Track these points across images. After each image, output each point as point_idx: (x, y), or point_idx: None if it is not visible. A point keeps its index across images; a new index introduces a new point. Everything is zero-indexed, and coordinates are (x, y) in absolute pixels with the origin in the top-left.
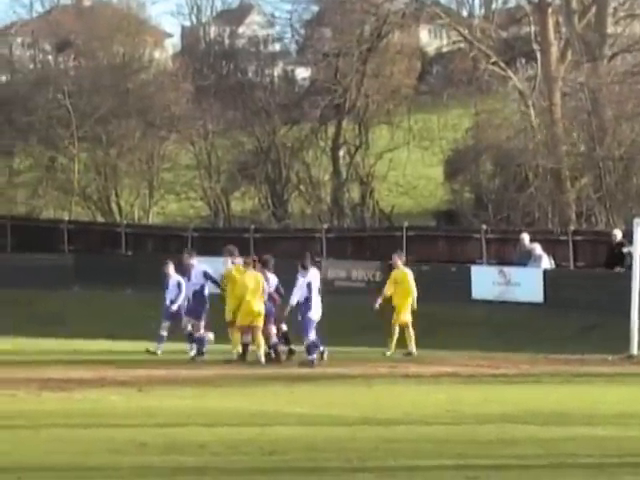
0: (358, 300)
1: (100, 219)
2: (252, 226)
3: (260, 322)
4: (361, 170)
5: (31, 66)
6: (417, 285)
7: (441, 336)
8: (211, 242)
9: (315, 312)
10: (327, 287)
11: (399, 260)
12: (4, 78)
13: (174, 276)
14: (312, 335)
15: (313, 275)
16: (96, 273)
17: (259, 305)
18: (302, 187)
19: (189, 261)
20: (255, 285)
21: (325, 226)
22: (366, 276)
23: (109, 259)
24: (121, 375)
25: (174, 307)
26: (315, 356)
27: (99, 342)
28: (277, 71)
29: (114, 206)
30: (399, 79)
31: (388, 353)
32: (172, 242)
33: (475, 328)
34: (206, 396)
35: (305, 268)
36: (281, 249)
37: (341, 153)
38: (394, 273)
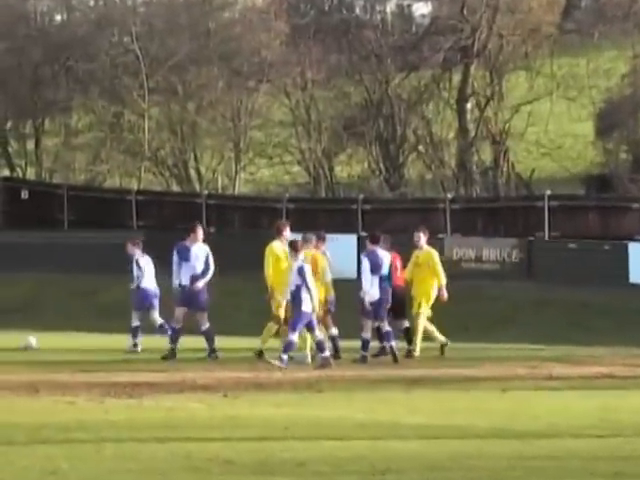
0: (491, 286)
1: (176, 188)
2: (360, 196)
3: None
4: (493, 127)
5: (91, 3)
6: (563, 267)
7: (592, 329)
8: (310, 215)
9: (307, 304)
10: (452, 270)
11: (423, 236)
12: (59, 18)
13: (142, 257)
14: (316, 332)
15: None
16: (171, 254)
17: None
18: (421, 148)
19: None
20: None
21: (449, 195)
22: (500, 256)
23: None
24: (202, 377)
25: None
26: (327, 354)
27: None
28: (390, 6)
29: (193, 173)
30: (539, 15)
31: (416, 353)
32: (263, 215)
33: (634, 318)
34: (305, 403)
35: (296, 250)
36: (395, 223)
37: (469, 106)
38: (416, 253)
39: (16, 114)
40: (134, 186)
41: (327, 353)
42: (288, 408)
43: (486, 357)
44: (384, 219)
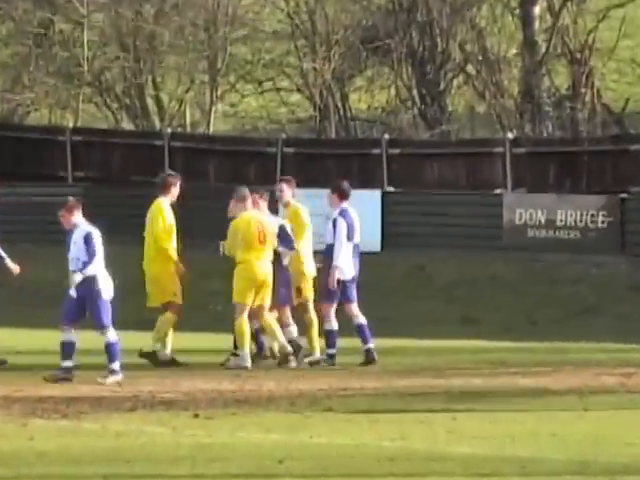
0: (567, 262)
1: (128, 126)
2: (385, 136)
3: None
4: (571, 40)
5: None
6: None
7: None
8: (316, 163)
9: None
10: (515, 238)
11: (287, 189)
12: None
13: (82, 226)
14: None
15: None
16: (119, 217)
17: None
18: (470, 69)
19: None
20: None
21: (510, 135)
22: (581, 219)
23: (143, 193)
24: (164, 390)
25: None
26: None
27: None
28: None
29: (151, 103)
30: None
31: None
32: (249, 164)
33: None
34: (307, 427)
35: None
36: (434, 173)
37: (537, 10)
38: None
39: None
40: (69, 122)
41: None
42: (283, 433)
43: (560, 361)
44: (418, 168)
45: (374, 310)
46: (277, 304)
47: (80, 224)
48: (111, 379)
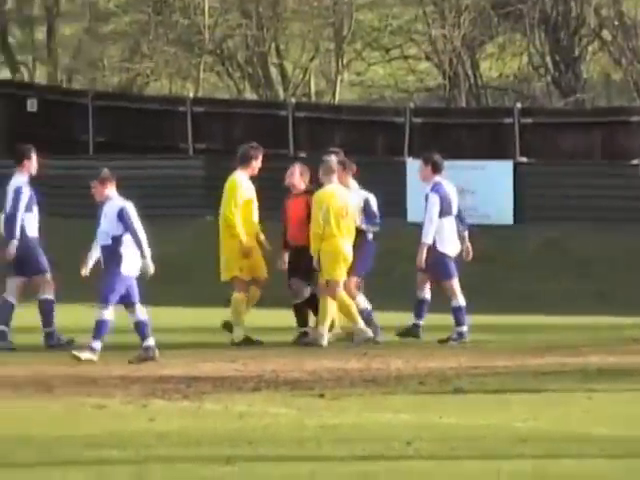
0: None
1: (250, 95)
2: (517, 105)
3: None
4: None
5: None
6: None
7: None
8: (445, 133)
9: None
10: None
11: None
12: None
13: (115, 200)
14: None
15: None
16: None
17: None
18: (605, 34)
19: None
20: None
21: None
22: None
23: (267, 164)
24: (288, 369)
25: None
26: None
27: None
28: None
29: (274, 73)
30: None
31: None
32: (376, 134)
33: None
34: (436, 407)
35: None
36: (567, 144)
37: None
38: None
39: None
40: (190, 92)
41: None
42: (411, 414)
43: None
44: (552, 137)
45: (505, 284)
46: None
47: (113, 197)
48: (86, 355)
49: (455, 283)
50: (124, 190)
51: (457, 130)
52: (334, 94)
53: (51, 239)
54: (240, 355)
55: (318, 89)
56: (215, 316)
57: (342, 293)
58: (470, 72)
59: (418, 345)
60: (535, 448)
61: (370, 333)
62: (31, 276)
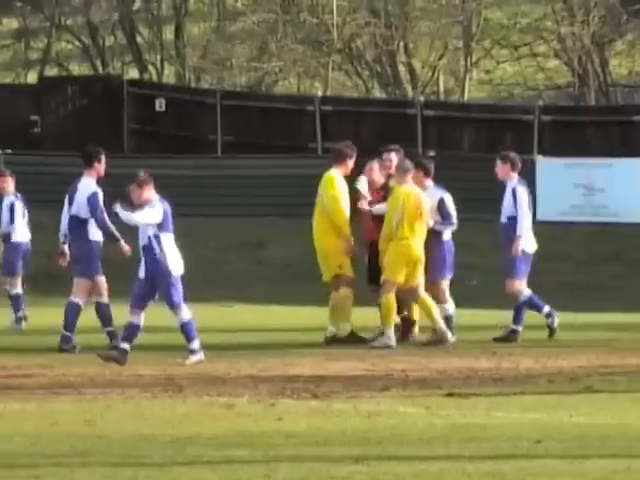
0: None
1: (379, 94)
2: None
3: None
4: None
5: None
6: None
7: None
8: (575, 131)
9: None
10: None
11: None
12: None
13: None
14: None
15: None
16: None
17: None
18: None
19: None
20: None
21: None
22: None
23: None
24: (416, 369)
25: None
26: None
27: None
28: None
29: (403, 71)
30: None
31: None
32: (505, 132)
33: None
34: (566, 406)
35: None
36: None
37: None
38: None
39: None
40: (318, 91)
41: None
42: (541, 413)
43: None
44: None
45: (636, 282)
46: (431, 281)
47: (153, 200)
48: (193, 359)
49: (522, 283)
50: (254, 189)
51: (586, 128)
52: (463, 92)
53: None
54: (369, 355)
55: (447, 87)
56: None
57: (391, 296)
58: (599, 69)
59: (548, 344)
60: None
61: (393, 344)
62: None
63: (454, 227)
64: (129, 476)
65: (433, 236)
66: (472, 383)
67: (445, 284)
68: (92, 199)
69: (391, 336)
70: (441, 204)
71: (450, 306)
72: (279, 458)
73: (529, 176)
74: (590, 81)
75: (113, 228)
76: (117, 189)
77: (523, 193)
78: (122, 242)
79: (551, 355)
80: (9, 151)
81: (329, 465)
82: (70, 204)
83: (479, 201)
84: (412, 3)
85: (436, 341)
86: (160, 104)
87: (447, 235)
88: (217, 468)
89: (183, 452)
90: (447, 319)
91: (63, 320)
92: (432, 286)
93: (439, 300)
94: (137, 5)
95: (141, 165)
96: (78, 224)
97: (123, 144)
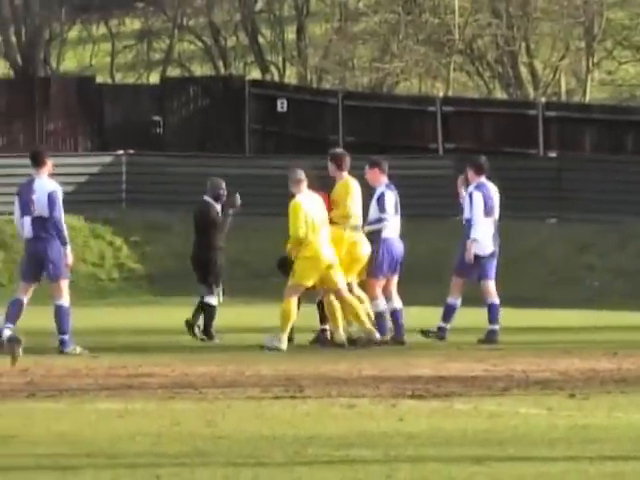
0: None
1: (501, 95)
2: None
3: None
4: None
5: None
6: None
7: None
8: None
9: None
10: None
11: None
12: None
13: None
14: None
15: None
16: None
17: None
18: None
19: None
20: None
21: None
22: None
23: (515, 164)
24: (538, 369)
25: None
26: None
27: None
28: None
29: (524, 72)
30: None
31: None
32: (627, 134)
33: None
34: None
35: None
36: None
37: None
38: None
39: None
40: (439, 92)
41: None
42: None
43: None
44: None
45: None
46: (367, 276)
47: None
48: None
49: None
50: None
51: None
52: (584, 93)
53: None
54: (489, 355)
55: (568, 88)
56: (464, 316)
57: (293, 300)
58: None
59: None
60: None
61: (284, 347)
62: None
63: (382, 225)
64: (250, 476)
65: (374, 234)
66: (593, 384)
67: (379, 282)
68: (52, 196)
69: (283, 340)
70: (380, 199)
71: (382, 302)
72: (400, 458)
73: None
74: None
75: (66, 231)
76: (238, 189)
77: (479, 198)
78: (70, 249)
79: None
80: (131, 151)
81: (450, 466)
82: (24, 206)
83: (603, 202)
84: (533, 4)
85: (364, 342)
86: (282, 104)
87: (387, 233)
88: (338, 468)
89: (304, 452)
90: (378, 316)
91: (58, 325)
92: (366, 281)
93: (370, 296)
94: (259, 5)
95: (262, 165)
96: (45, 224)
97: (245, 144)
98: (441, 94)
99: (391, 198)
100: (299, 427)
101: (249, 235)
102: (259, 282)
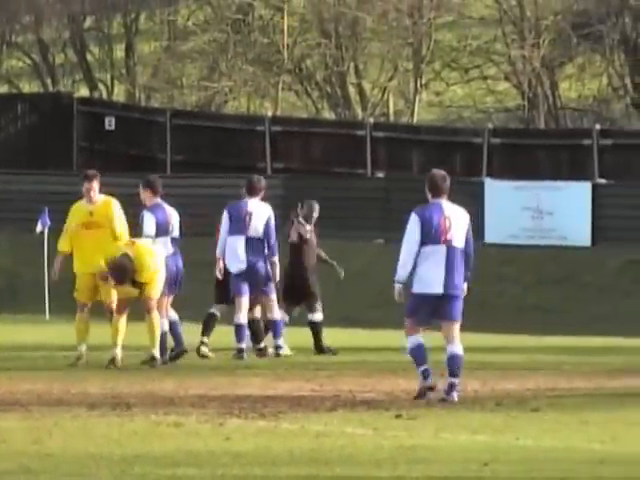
0: None
1: (329, 115)
2: (596, 126)
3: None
4: None
5: None
6: None
7: None
8: (524, 154)
9: None
10: None
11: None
12: None
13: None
14: None
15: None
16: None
17: None
18: None
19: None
20: None
21: None
22: None
23: (343, 184)
24: (363, 390)
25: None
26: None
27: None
28: None
29: (353, 92)
30: None
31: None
32: (454, 154)
33: None
34: (514, 428)
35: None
36: None
37: None
38: None
39: (98, 6)
40: (268, 112)
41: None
42: (489, 435)
43: None
44: (632, 159)
45: (583, 306)
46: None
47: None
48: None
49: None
50: (205, 209)
51: (535, 151)
52: (412, 114)
53: None
54: (316, 375)
55: (396, 109)
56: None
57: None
58: (549, 93)
59: (496, 366)
60: (613, 470)
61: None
62: None
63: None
64: None
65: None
66: (420, 404)
67: (165, 300)
68: None
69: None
70: (140, 220)
71: (165, 323)
72: (226, 478)
73: (478, 198)
74: (540, 104)
75: None
76: (67, 206)
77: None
78: None
79: (499, 378)
80: None
81: None
82: None
83: None
84: (362, 24)
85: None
86: (110, 122)
87: (166, 251)
88: None
89: (130, 471)
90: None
91: None
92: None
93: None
94: (88, 23)
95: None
96: None
97: (72, 162)
98: (270, 113)
99: (150, 219)
100: (126, 445)
101: None
102: None
